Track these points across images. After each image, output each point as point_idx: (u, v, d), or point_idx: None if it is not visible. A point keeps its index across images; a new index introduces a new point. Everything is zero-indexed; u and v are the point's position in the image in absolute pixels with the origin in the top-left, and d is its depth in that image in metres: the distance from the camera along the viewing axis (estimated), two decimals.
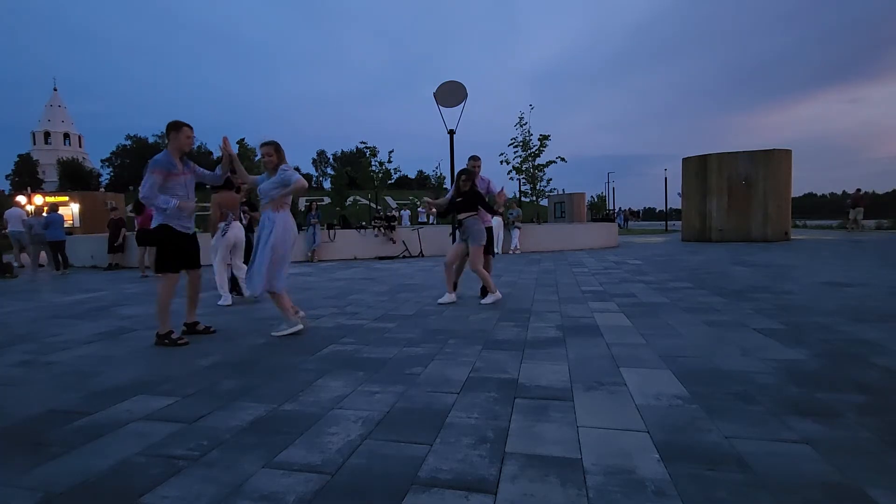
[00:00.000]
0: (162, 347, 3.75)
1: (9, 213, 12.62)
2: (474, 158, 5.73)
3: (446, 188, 30.56)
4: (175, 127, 3.84)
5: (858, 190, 20.49)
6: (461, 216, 5.33)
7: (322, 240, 12.72)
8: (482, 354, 3.29)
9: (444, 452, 1.90)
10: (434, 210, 5.68)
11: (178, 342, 3.79)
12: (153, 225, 3.89)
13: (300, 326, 4.08)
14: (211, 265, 6.02)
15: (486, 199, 5.55)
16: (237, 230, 5.98)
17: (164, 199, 3.74)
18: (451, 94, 11.57)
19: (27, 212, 13.36)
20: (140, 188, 3.74)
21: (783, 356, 3.04)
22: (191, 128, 3.91)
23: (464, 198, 5.33)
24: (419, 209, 24.94)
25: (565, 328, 4.02)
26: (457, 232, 5.41)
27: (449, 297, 5.43)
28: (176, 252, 3.89)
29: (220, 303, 5.84)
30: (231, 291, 6.11)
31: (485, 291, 5.55)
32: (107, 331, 4.49)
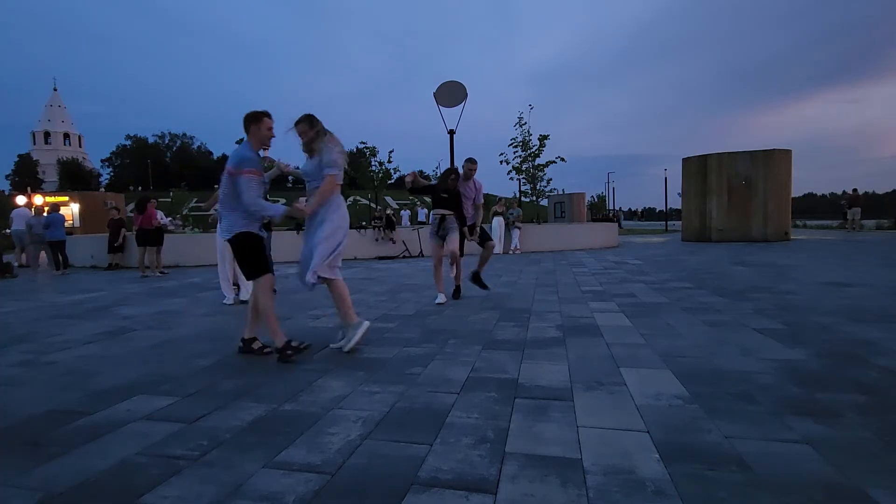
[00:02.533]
0: (161, 346, 3.75)
1: (15, 212, 12.71)
2: (471, 161, 5.70)
3: None
4: (255, 118, 3.29)
5: (854, 190, 20.47)
6: (443, 212, 5.35)
7: None
8: (482, 354, 3.29)
9: (444, 452, 1.90)
10: (412, 182, 5.40)
11: (301, 348, 3.34)
12: (231, 235, 3.34)
13: (367, 324, 3.55)
14: (214, 265, 6.03)
15: (471, 203, 5.67)
16: None
17: (272, 206, 3.36)
18: (450, 94, 11.58)
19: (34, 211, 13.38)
20: (242, 194, 3.19)
21: (783, 356, 3.04)
22: (271, 117, 3.36)
23: (449, 196, 5.37)
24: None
25: (565, 328, 4.02)
26: (431, 227, 5.43)
27: (442, 297, 5.43)
28: (263, 253, 3.42)
29: (224, 302, 5.86)
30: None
31: (477, 278, 5.74)
32: (107, 331, 4.49)
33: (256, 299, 3.42)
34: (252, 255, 3.37)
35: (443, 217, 5.35)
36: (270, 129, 3.34)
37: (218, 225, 5.80)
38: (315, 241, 3.43)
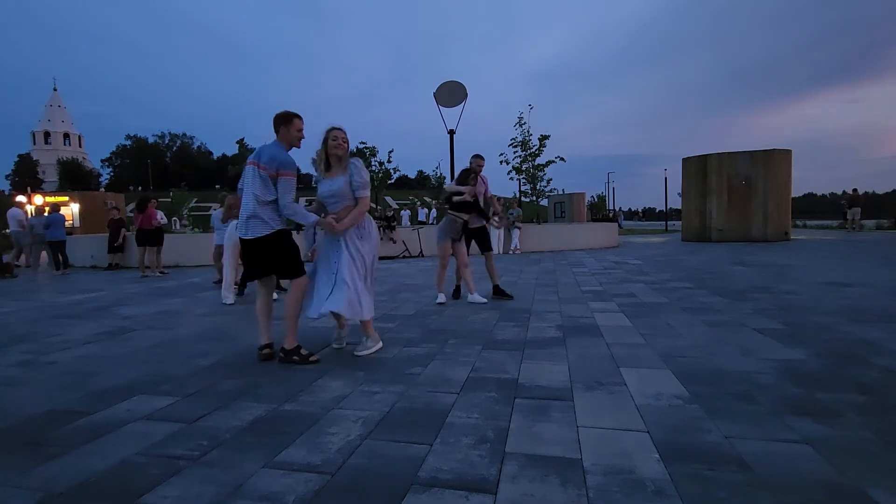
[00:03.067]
0: (160, 346, 3.75)
1: (9, 213, 12.65)
2: (479, 157, 5.65)
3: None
4: (285, 120, 3.25)
5: (854, 190, 20.47)
6: (465, 216, 5.32)
7: None
8: (482, 354, 3.29)
9: (444, 452, 1.90)
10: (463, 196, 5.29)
11: (310, 359, 3.23)
12: (266, 232, 3.17)
13: (380, 344, 3.54)
14: (212, 264, 6.02)
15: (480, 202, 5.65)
16: None
17: (304, 213, 3.26)
18: (450, 94, 11.60)
19: (27, 212, 13.30)
20: (282, 197, 3.14)
21: (783, 356, 3.04)
22: (301, 119, 3.31)
23: (473, 200, 5.37)
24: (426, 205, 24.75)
25: (565, 328, 4.02)
26: (447, 228, 5.35)
27: (442, 297, 5.46)
28: (298, 253, 3.36)
29: (224, 302, 5.86)
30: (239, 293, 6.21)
31: (498, 290, 5.65)
32: (107, 331, 4.49)
33: (290, 300, 3.29)
34: (295, 253, 3.30)
35: (465, 222, 5.33)
36: (300, 130, 3.28)
37: (235, 223, 5.74)
38: (351, 266, 3.30)
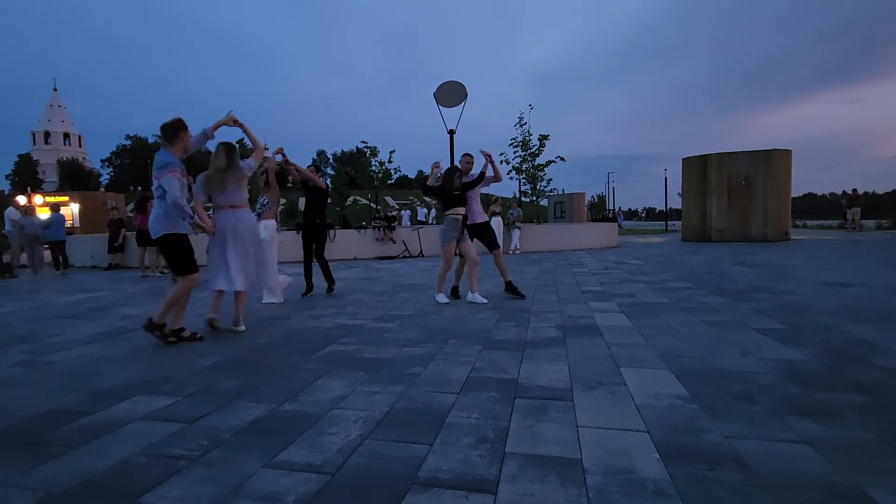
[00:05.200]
0: (160, 346, 3.75)
1: (6, 212, 12.61)
2: (468, 156, 5.83)
3: None
4: (184, 126, 3.89)
5: (854, 190, 20.50)
6: (461, 211, 5.39)
7: None
8: (482, 354, 3.29)
9: (444, 452, 1.90)
10: (435, 174, 5.56)
11: (169, 339, 3.82)
12: (162, 233, 3.84)
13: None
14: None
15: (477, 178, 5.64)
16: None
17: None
18: (450, 94, 11.59)
19: (22, 212, 13.25)
20: (169, 193, 3.68)
21: (783, 356, 3.04)
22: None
23: (460, 191, 5.41)
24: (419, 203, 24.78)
25: (565, 328, 4.02)
26: (450, 229, 5.38)
27: (444, 297, 5.51)
28: (191, 253, 4.03)
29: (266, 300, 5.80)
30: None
31: (511, 287, 5.69)
32: (107, 331, 4.49)
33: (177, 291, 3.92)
34: (184, 254, 3.98)
35: (464, 217, 5.41)
36: (192, 137, 3.96)
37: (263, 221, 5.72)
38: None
